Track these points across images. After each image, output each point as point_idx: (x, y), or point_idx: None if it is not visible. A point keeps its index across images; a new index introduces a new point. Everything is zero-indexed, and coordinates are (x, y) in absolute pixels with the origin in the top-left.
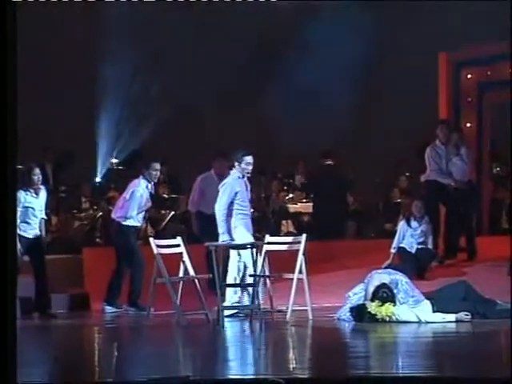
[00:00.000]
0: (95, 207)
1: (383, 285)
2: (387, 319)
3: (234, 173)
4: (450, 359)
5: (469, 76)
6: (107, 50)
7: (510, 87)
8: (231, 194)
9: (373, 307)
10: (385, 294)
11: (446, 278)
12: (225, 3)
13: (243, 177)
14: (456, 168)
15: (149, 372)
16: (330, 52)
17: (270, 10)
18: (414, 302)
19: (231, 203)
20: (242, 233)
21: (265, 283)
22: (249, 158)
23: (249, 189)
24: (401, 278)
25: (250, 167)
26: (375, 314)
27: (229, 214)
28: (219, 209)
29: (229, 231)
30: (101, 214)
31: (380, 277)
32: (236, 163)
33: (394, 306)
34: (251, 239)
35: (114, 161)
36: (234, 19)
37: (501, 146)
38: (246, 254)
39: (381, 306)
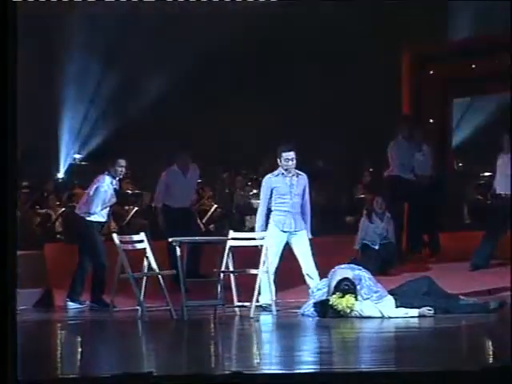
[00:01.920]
0: (58, 203)
1: (345, 278)
2: (348, 311)
3: (278, 169)
4: (412, 354)
5: (432, 72)
6: (71, 48)
7: (511, 84)
8: (267, 191)
9: (333, 299)
10: (346, 286)
11: (409, 274)
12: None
13: (284, 174)
14: (418, 163)
15: (112, 368)
16: (296, 49)
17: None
18: (377, 298)
19: (270, 199)
20: (271, 230)
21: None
22: (287, 154)
23: (295, 184)
24: (363, 273)
25: (290, 163)
26: (336, 307)
27: (269, 210)
28: (259, 205)
29: (262, 227)
30: (63, 209)
31: (343, 272)
32: (278, 160)
33: (355, 298)
34: (279, 237)
35: (78, 156)
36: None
37: (463, 142)
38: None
39: (341, 297)
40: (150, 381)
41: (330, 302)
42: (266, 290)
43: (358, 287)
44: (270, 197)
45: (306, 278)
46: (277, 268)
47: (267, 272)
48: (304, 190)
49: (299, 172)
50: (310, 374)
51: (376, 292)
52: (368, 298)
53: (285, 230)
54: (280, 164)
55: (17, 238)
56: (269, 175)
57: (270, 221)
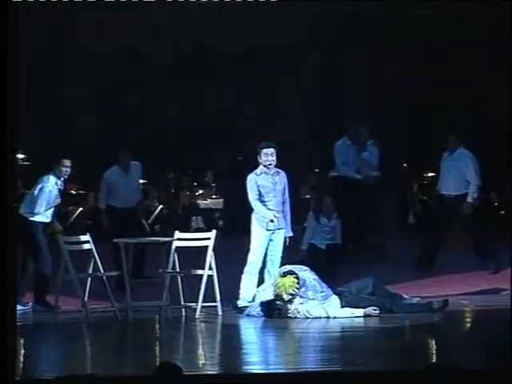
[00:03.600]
0: None
1: (289, 270)
2: (290, 291)
3: (259, 168)
4: (358, 353)
5: None
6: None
7: (510, 88)
8: (255, 188)
9: (276, 280)
10: (289, 273)
11: (355, 274)
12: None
13: (267, 172)
14: (364, 164)
15: (55, 370)
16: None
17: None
18: (323, 298)
19: (261, 196)
20: (255, 229)
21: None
22: (267, 150)
23: (278, 182)
24: (309, 275)
25: (270, 158)
26: (278, 287)
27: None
28: (254, 205)
29: (274, 224)
30: None
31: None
32: (258, 156)
33: (296, 279)
34: (264, 236)
35: (21, 156)
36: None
37: (409, 143)
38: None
39: (283, 276)
40: (93, 382)
41: (273, 283)
42: (247, 291)
43: (303, 289)
44: (260, 193)
45: (266, 277)
46: (261, 268)
47: (248, 271)
48: (284, 188)
49: (279, 170)
50: (256, 375)
51: (321, 292)
52: (314, 299)
53: (269, 228)
54: (260, 160)
55: (16, 238)
56: (252, 174)
57: (253, 220)
